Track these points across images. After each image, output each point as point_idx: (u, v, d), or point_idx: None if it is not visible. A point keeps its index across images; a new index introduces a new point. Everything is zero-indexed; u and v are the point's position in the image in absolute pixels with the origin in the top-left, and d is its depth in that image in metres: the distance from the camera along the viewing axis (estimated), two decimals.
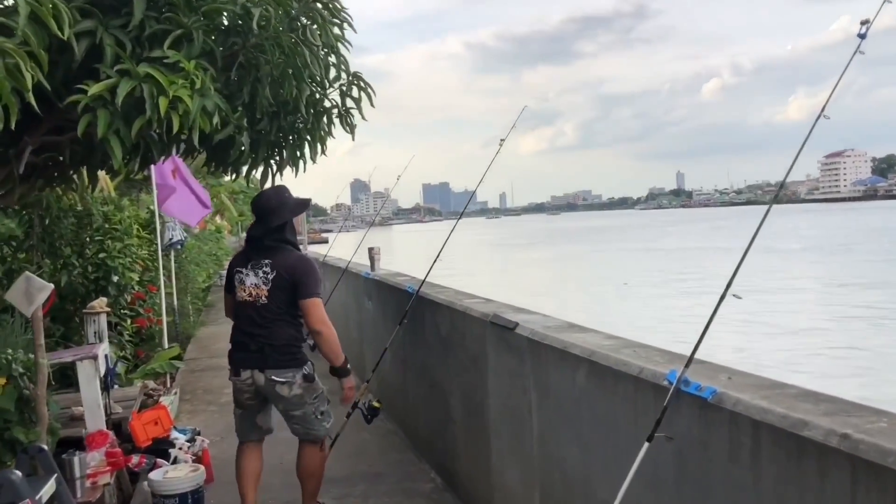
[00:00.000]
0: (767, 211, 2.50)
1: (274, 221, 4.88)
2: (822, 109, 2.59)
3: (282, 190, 5.10)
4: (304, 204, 5.19)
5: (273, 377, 4.63)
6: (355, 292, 8.50)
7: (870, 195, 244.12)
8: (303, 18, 4.13)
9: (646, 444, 2.42)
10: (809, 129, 2.57)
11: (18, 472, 4.02)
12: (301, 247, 5.75)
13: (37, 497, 4.04)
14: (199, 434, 6.54)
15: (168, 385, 9.12)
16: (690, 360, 2.46)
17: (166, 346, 10.23)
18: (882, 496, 1.69)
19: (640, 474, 2.42)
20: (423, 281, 5.97)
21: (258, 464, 4.91)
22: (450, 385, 5.30)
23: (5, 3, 3.40)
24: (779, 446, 2.02)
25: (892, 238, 54.82)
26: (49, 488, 4.26)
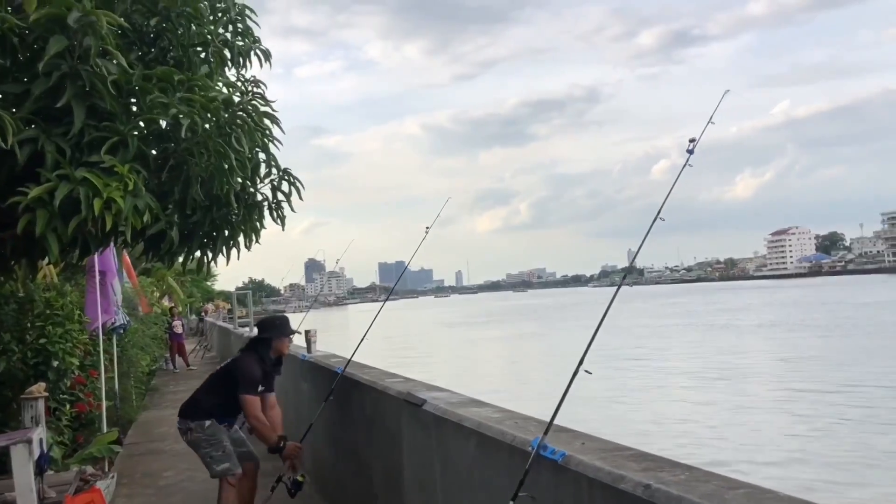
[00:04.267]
0: (616, 292, 2.95)
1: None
2: (658, 213, 3.08)
3: (268, 320, 6.51)
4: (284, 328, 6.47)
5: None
6: (293, 374, 8.76)
7: (815, 271, 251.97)
8: (231, 126, 4.56)
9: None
10: (646, 231, 3.05)
11: None
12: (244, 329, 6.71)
13: None
14: None
15: (106, 469, 9.14)
16: (548, 428, 2.86)
17: (105, 430, 10.25)
18: None
19: None
20: (349, 360, 6.29)
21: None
22: (374, 461, 5.59)
23: None
24: (606, 499, 2.41)
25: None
26: None
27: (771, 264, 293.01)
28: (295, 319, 7.10)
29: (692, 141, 3.16)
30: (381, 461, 5.37)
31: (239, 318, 27.28)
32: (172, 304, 26.25)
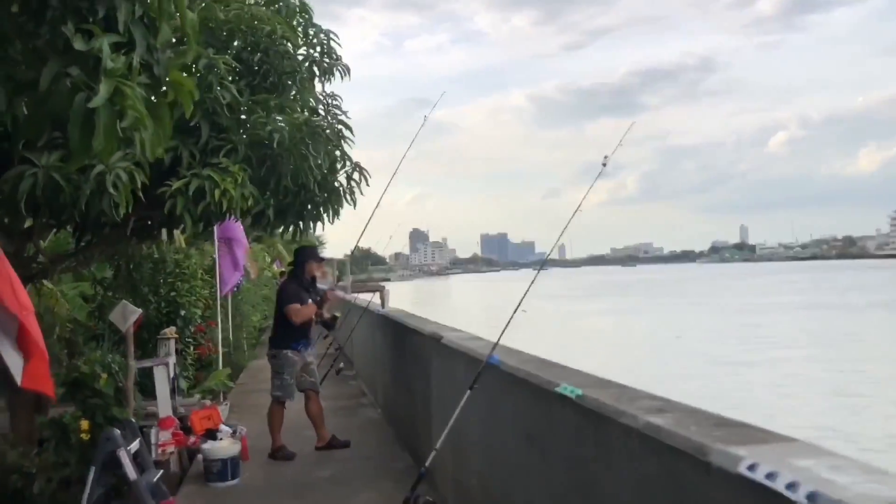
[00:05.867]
0: (536, 276, 4.45)
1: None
2: (578, 207, 4.54)
3: (300, 249, 7.60)
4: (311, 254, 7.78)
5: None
6: (371, 324, 10.49)
7: None
8: (309, 137, 6.24)
9: (468, 392, 4.37)
10: (566, 224, 4.51)
11: (116, 431, 6.10)
12: (340, 292, 8.99)
13: (128, 448, 6.11)
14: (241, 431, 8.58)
15: (221, 399, 11.22)
16: (495, 346, 4.41)
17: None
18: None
19: (463, 411, 4.36)
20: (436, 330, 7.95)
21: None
22: (413, 383, 7.26)
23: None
24: (513, 384, 3.95)
25: None
26: (135, 445, 6.34)
27: (894, 242, 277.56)
28: (400, 287, 9.04)
29: (606, 157, 4.57)
30: (418, 383, 7.05)
31: (341, 284, 29.44)
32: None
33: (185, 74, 3.02)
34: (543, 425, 3.52)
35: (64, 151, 4.52)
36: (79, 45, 2.52)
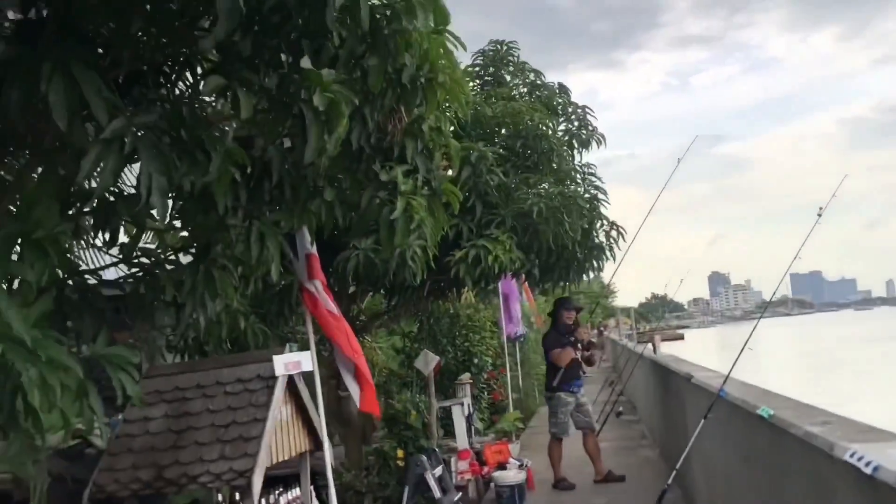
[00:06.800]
0: None
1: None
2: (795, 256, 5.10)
3: (555, 301, 8.70)
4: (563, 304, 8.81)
5: None
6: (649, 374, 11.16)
7: None
8: (563, 207, 7.35)
9: (702, 420, 5.08)
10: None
11: (424, 457, 7.55)
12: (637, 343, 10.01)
13: (433, 472, 7.52)
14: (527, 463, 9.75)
15: (513, 440, 12.51)
16: (725, 380, 5.07)
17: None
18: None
19: (699, 438, 5.07)
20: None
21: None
22: (675, 420, 7.90)
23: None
24: (734, 414, 4.62)
25: None
26: (439, 471, 7.75)
27: None
28: (700, 335, 9.73)
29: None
30: (677, 419, 7.67)
31: (639, 332, 29.46)
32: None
33: (452, 185, 4.28)
34: (750, 442, 4.19)
35: (375, 237, 6.07)
36: (383, 176, 3.88)
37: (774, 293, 7.35)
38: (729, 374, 5.18)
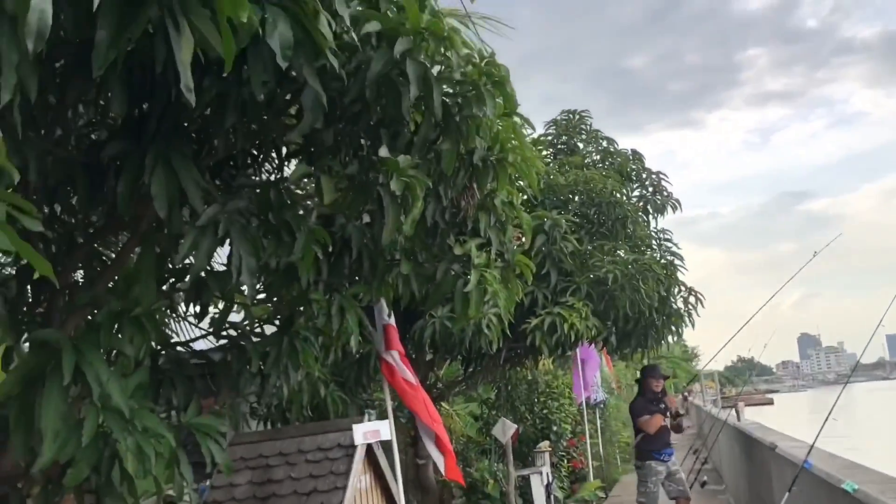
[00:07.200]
0: None
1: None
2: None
3: (643, 369, 8.52)
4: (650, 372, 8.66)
5: None
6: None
7: None
8: (639, 273, 7.34)
9: (787, 493, 4.92)
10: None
11: None
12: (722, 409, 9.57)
13: None
14: None
15: None
16: (810, 451, 4.93)
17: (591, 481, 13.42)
18: None
19: None
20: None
21: None
22: (760, 489, 7.62)
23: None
24: (817, 487, 4.48)
25: None
26: None
27: None
28: (788, 399, 9.48)
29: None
30: (762, 488, 7.41)
31: (724, 397, 28.37)
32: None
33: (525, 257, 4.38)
34: None
35: (451, 304, 6.19)
36: (457, 250, 4.01)
37: (863, 354, 7.08)
38: (814, 443, 5.03)
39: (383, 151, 3.04)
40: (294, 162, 3.86)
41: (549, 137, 9.48)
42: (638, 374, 9.65)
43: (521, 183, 4.64)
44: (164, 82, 2.79)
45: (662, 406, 8.99)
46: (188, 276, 3.53)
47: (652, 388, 9.01)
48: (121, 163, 2.97)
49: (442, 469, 5.69)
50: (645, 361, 24.10)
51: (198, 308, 4.10)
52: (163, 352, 4.32)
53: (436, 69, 3.01)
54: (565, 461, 13.17)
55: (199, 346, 4.77)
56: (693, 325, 8.38)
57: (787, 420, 12.43)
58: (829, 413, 5.00)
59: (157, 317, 3.74)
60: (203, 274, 3.61)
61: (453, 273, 4.06)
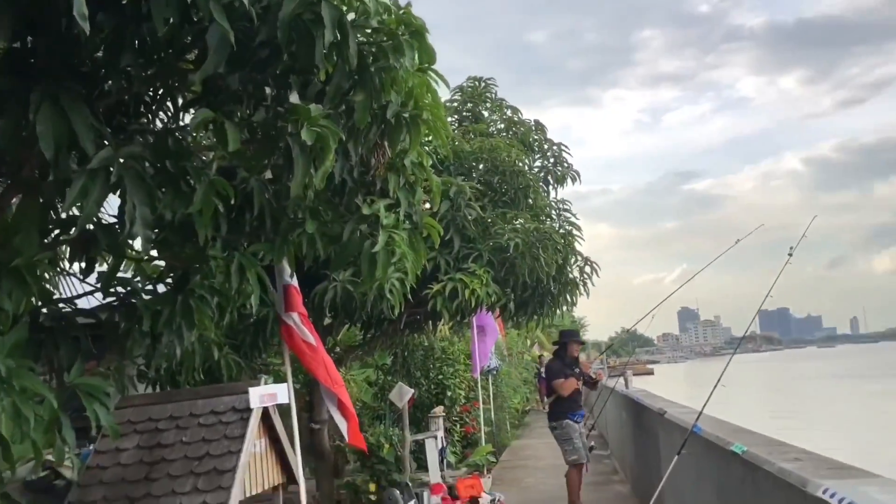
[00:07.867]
0: None
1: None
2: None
3: (563, 332, 8.89)
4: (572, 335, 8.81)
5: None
6: (617, 404, 11.20)
7: None
8: (539, 242, 7.41)
9: (675, 456, 5.11)
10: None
11: (397, 492, 7.50)
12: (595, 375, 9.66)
13: None
14: (500, 498, 9.69)
15: (484, 473, 12.43)
16: (699, 416, 5.12)
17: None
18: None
19: (673, 473, 5.10)
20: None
21: None
22: (647, 455, 7.93)
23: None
24: (708, 448, 4.66)
25: None
26: None
27: None
28: (670, 371, 9.78)
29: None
30: (650, 454, 7.71)
31: (610, 367, 29.50)
32: (541, 353, 30.09)
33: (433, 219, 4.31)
34: (724, 478, 4.23)
35: (354, 269, 6.07)
36: (365, 210, 3.89)
37: (747, 330, 7.44)
38: (702, 410, 5.23)
39: (294, 98, 2.88)
40: (193, 112, 3.63)
41: (455, 104, 9.40)
42: (558, 337, 9.80)
43: (431, 145, 4.55)
44: (55, 12, 2.55)
45: (577, 370, 9.18)
46: (75, 227, 3.26)
47: (572, 352, 9.18)
48: (2, 99, 2.70)
49: (345, 434, 5.58)
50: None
51: (84, 262, 3.85)
52: (45, 308, 4.03)
53: (351, 15, 2.86)
54: (458, 426, 13.33)
55: (85, 303, 4.49)
56: (588, 294, 8.56)
57: (667, 389, 12.95)
58: (718, 381, 5.21)
59: (39, 270, 3.48)
60: (91, 225, 3.37)
61: (360, 233, 3.94)
